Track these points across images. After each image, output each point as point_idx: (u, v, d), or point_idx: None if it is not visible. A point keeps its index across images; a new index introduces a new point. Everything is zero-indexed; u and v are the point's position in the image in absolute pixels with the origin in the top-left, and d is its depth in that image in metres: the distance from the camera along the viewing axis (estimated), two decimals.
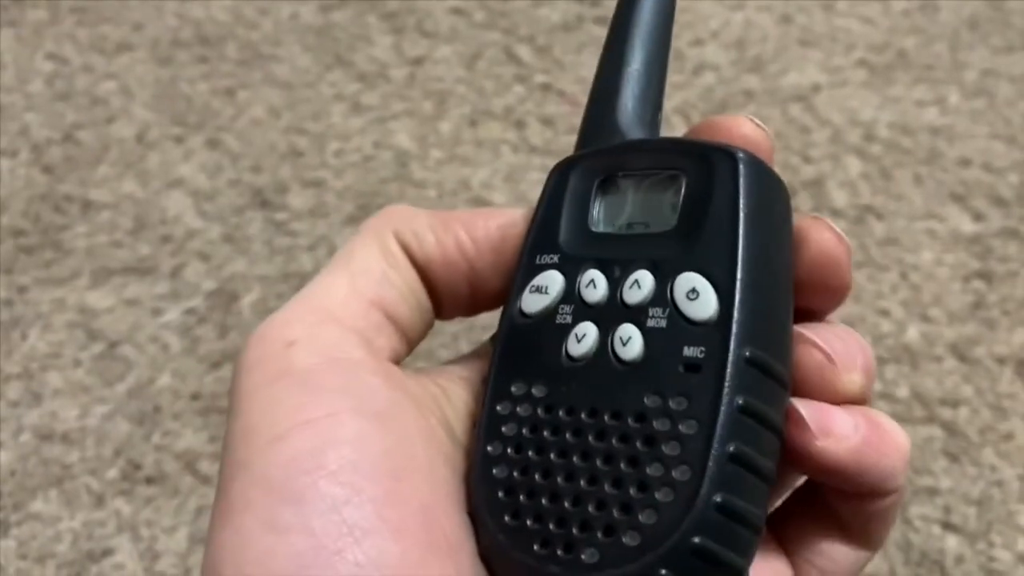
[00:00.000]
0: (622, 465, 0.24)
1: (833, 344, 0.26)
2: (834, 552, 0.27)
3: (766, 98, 0.70)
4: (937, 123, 0.68)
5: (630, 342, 0.25)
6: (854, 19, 0.75)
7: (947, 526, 0.50)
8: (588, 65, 0.71)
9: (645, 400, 0.24)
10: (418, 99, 0.71)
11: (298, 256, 0.62)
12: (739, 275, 0.24)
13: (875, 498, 0.26)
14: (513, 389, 0.26)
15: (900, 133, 0.67)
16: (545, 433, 0.25)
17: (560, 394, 0.25)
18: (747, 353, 0.24)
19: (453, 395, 0.28)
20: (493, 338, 0.28)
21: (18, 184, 0.66)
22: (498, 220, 0.29)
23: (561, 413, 0.25)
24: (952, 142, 0.67)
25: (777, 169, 0.27)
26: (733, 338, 0.24)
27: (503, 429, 0.26)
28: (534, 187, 0.65)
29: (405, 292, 0.28)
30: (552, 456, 0.25)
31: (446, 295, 0.29)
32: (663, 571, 0.22)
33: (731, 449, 0.23)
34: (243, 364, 0.26)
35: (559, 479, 0.24)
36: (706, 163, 0.26)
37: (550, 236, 0.27)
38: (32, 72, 0.74)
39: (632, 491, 0.23)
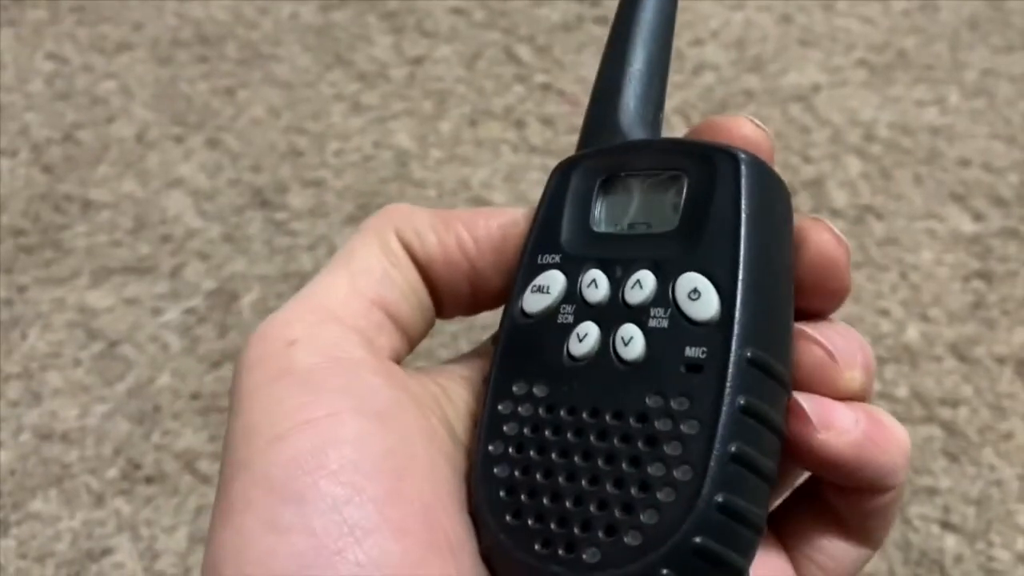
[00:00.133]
0: (624, 465, 0.24)
1: (835, 341, 0.26)
2: (834, 549, 0.27)
3: (766, 98, 0.70)
4: (937, 123, 0.68)
5: (632, 342, 0.25)
6: (854, 19, 0.75)
7: (946, 526, 0.50)
8: (588, 65, 0.72)
9: (647, 400, 0.24)
10: (418, 99, 0.71)
11: (298, 256, 0.62)
12: (741, 276, 0.24)
13: (875, 494, 0.26)
14: (514, 389, 0.26)
15: (900, 133, 0.67)
16: (546, 433, 0.25)
17: (562, 394, 0.25)
18: (749, 353, 0.24)
19: (454, 394, 0.28)
20: (494, 337, 0.28)
21: (18, 184, 0.66)
22: (499, 219, 0.29)
23: (563, 413, 0.25)
24: (952, 142, 0.67)
25: (777, 169, 0.27)
26: (735, 338, 0.24)
27: (504, 428, 0.26)
28: (534, 187, 0.65)
29: (406, 291, 0.28)
30: (553, 456, 0.25)
31: (447, 294, 0.29)
32: (664, 571, 0.23)
33: (733, 449, 0.23)
34: (244, 363, 0.26)
35: (560, 479, 0.24)
36: (708, 164, 0.26)
37: (552, 236, 0.27)
38: (32, 72, 0.74)
39: (634, 491, 0.23)
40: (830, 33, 0.74)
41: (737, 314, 0.24)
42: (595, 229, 0.27)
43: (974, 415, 0.53)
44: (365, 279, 0.27)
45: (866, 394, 0.26)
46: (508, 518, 0.25)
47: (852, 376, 0.26)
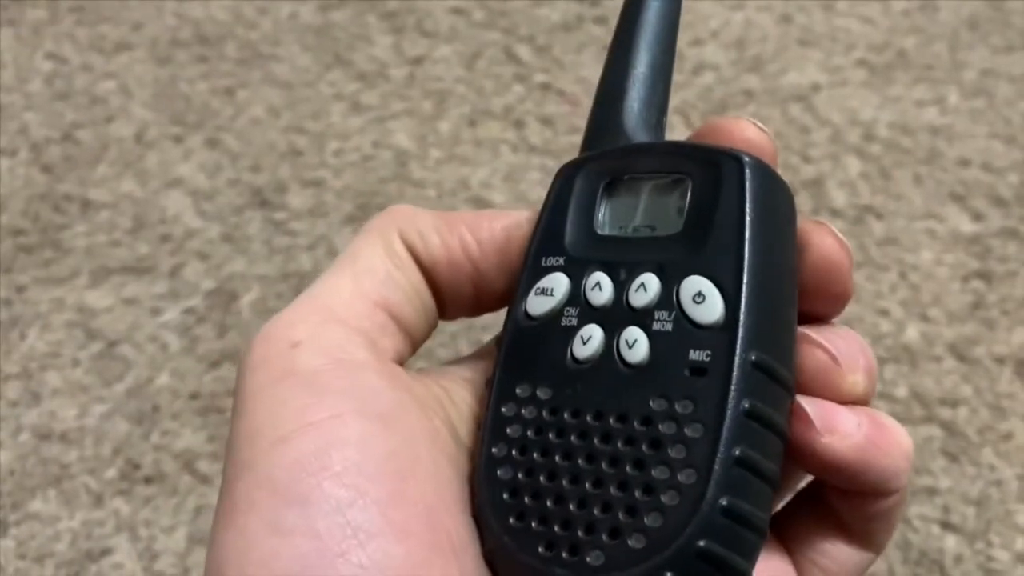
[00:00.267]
0: (628, 468, 0.24)
1: (837, 345, 0.26)
2: (836, 553, 0.27)
3: (766, 98, 0.70)
4: (937, 123, 0.68)
5: (636, 345, 0.25)
6: (854, 19, 0.76)
7: (946, 526, 0.50)
8: (588, 65, 0.71)
9: (651, 403, 0.24)
10: (417, 99, 0.71)
11: (297, 256, 0.62)
12: (745, 279, 0.24)
13: (877, 498, 0.26)
14: (518, 391, 0.26)
15: (900, 133, 0.67)
16: (550, 435, 0.25)
17: (565, 396, 0.25)
18: (753, 357, 0.24)
19: (456, 396, 0.28)
20: (497, 339, 0.28)
21: (17, 183, 0.66)
22: (503, 222, 0.29)
23: (566, 415, 0.25)
24: (952, 142, 0.67)
25: (777, 169, 0.27)
26: (739, 342, 0.24)
27: (508, 431, 0.26)
28: (533, 187, 0.65)
29: (410, 293, 0.28)
30: (557, 458, 0.25)
31: (450, 296, 0.29)
32: (668, 574, 0.23)
33: (737, 453, 0.23)
34: (247, 364, 0.26)
35: (564, 481, 0.24)
36: (712, 167, 0.26)
37: (556, 238, 0.27)
38: (31, 71, 0.74)
39: (638, 494, 0.23)
40: (830, 33, 0.74)
41: (741, 318, 0.24)
42: (599, 232, 0.27)
43: (974, 415, 0.53)
44: (369, 280, 0.27)
45: (868, 398, 0.26)
46: (511, 520, 0.25)
47: (855, 380, 0.26)
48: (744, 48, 0.74)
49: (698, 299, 0.25)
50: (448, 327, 0.57)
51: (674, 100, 0.69)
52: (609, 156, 0.28)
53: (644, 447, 0.24)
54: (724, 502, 0.23)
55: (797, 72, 0.72)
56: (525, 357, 0.26)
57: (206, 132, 0.69)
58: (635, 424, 0.24)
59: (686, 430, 0.23)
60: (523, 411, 0.26)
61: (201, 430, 0.54)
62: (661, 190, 0.27)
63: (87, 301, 0.60)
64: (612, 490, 0.24)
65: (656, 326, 0.25)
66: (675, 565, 0.23)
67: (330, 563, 0.23)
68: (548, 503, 0.24)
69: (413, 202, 0.29)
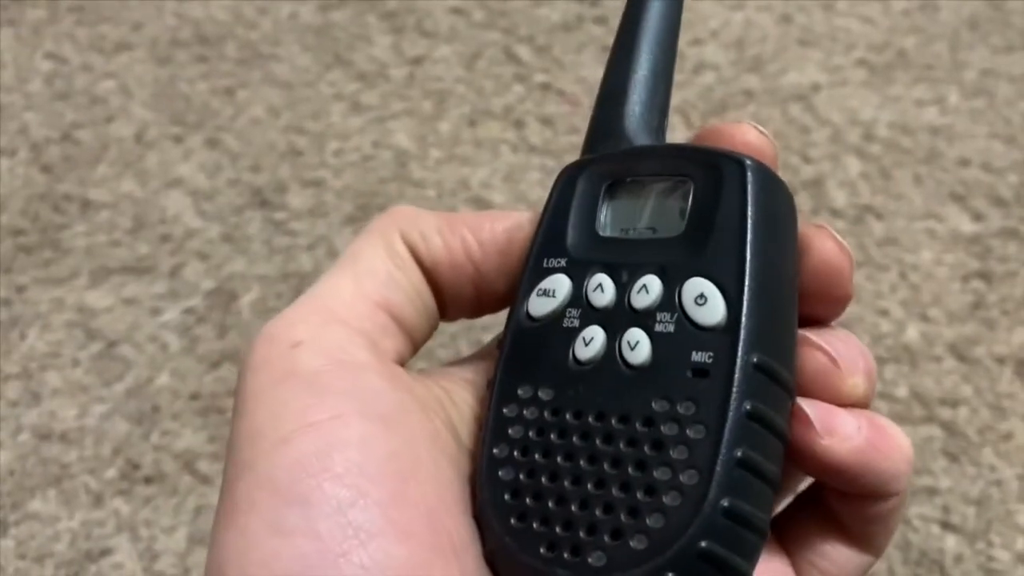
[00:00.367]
0: (629, 469, 0.24)
1: (837, 347, 0.26)
2: (836, 555, 0.27)
3: (766, 98, 0.70)
4: (937, 123, 0.68)
5: (638, 346, 0.25)
6: (854, 19, 0.76)
7: (946, 526, 0.50)
8: (588, 65, 0.71)
9: (653, 404, 0.24)
10: (417, 99, 0.71)
11: (297, 256, 0.62)
12: (747, 281, 0.24)
13: (876, 500, 0.26)
14: (520, 392, 0.26)
15: (900, 133, 0.67)
16: (552, 436, 0.25)
17: (567, 397, 0.25)
18: (755, 359, 0.24)
19: (457, 397, 0.28)
20: (498, 340, 0.28)
21: (17, 183, 0.66)
22: (504, 223, 0.29)
23: (568, 416, 0.25)
24: (952, 142, 0.67)
25: (777, 169, 0.27)
26: (741, 344, 0.24)
27: (509, 432, 0.26)
28: (533, 187, 0.65)
29: (411, 294, 0.28)
30: (559, 459, 0.25)
31: (451, 297, 0.29)
32: (670, 575, 0.23)
33: (738, 454, 0.23)
34: (249, 365, 0.26)
35: (566, 482, 0.24)
36: (714, 170, 0.26)
37: (557, 240, 0.27)
38: (31, 71, 0.74)
39: (639, 495, 0.23)
40: (830, 33, 0.74)
41: (743, 320, 0.24)
42: (601, 233, 0.27)
43: (974, 415, 0.53)
44: (370, 281, 0.27)
45: (868, 400, 0.26)
46: (513, 521, 0.25)
47: (855, 383, 0.26)
48: (744, 48, 0.74)
49: (700, 301, 0.25)
50: (448, 327, 0.57)
51: (674, 100, 0.69)
52: (611, 158, 0.28)
53: (646, 448, 0.24)
54: (726, 503, 0.23)
55: (797, 72, 0.72)
56: (527, 358, 0.26)
57: (206, 132, 0.69)
58: (637, 425, 0.24)
59: (688, 431, 0.23)
60: (525, 412, 0.26)
61: (201, 430, 0.54)
62: (663, 192, 0.27)
63: (87, 301, 0.60)
64: (614, 491, 0.24)
65: (658, 328, 0.25)
66: (677, 566, 0.23)
67: (331, 564, 0.23)
68: (550, 504, 0.24)
69: (413, 202, 0.29)
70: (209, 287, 0.60)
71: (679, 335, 0.25)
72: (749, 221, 0.25)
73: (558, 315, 0.26)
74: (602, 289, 0.26)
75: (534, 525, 0.24)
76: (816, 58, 0.73)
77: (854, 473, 0.25)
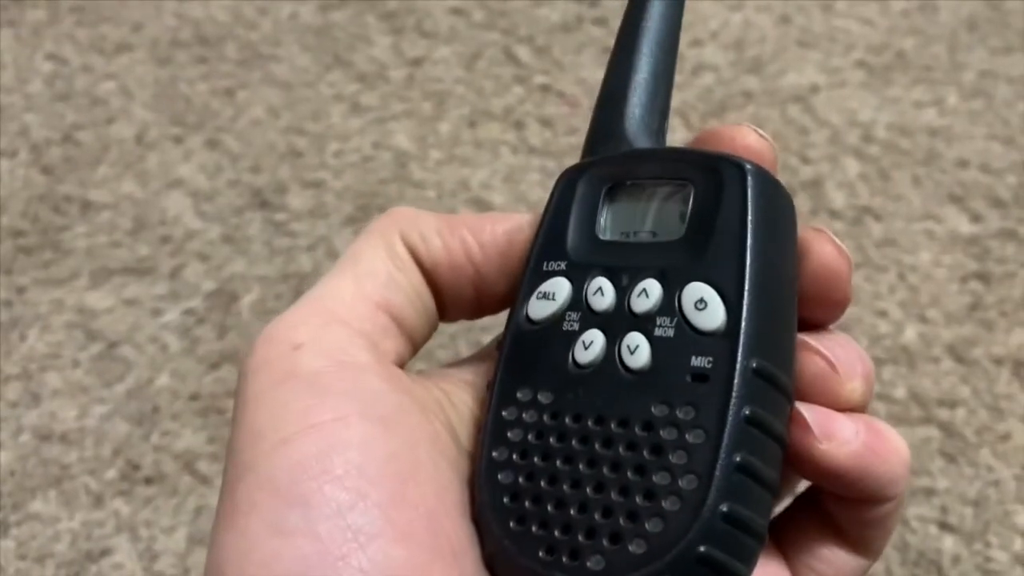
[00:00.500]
0: (629, 473, 0.24)
1: (836, 352, 0.26)
2: (833, 558, 0.27)
3: (765, 99, 0.70)
4: (935, 124, 0.68)
5: (637, 350, 0.25)
6: (853, 20, 0.76)
7: (944, 526, 0.50)
8: (587, 66, 0.72)
9: (652, 409, 0.24)
10: (417, 99, 0.71)
11: (297, 257, 0.62)
12: (747, 286, 0.25)
13: (874, 504, 0.26)
14: (519, 395, 0.26)
15: (898, 134, 0.67)
16: (551, 439, 0.25)
17: (566, 401, 0.25)
18: (754, 364, 0.24)
19: (457, 399, 0.28)
20: (498, 342, 0.28)
21: (17, 184, 0.66)
22: (505, 225, 0.29)
23: (567, 420, 0.25)
24: (950, 143, 0.67)
25: (776, 170, 0.27)
26: (741, 349, 0.24)
27: (509, 435, 0.26)
28: (533, 188, 0.65)
29: (411, 295, 0.28)
30: (558, 462, 0.25)
31: (451, 298, 0.29)
32: None
33: (738, 459, 0.23)
34: (249, 366, 0.26)
35: (565, 486, 0.24)
36: (714, 174, 0.26)
37: (557, 243, 0.27)
38: (31, 72, 0.74)
39: (638, 499, 0.23)
40: (829, 34, 0.75)
41: (743, 324, 0.24)
42: (601, 237, 0.27)
43: (972, 416, 0.54)
44: (370, 282, 0.27)
45: (866, 405, 0.26)
46: (512, 524, 0.25)
47: (853, 387, 0.26)
48: (743, 49, 0.74)
49: (700, 305, 0.25)
50: (448, 328, 0.57)
51: (673, 101, 0.69)
52: (611, 161, 0.28)
53: (645, 452, 0.24)
54: (725, 508, 0.23)
55: (796, 73, 0.72)
56: (526, 361, 0.26)
57: (206, 133, 0.69)
58: (636, 429, 0.24)
59: (687, 436, 0.24)
60: (524, 415, 0.26)
61: (201, 431, 0.54)
62: (663, 196, 0.27)
63: (87, 302, 0.60)
64: (613, 495, 0.24)
65: (658, 332, 0.25)
66: (676, 570, 0.23)
67: (331, 565, 0.23)
68: (549, 507, 0.24)
69: (413, 203, 0.30)
70: (209, 288, 0.60)
71: (679, 339, 0.25)
72: (749, 226, 0.25)
73: (558, 318, 0.26)
74: (602, 293, 0.26)
75: (533, 528, 0.24)
76: (815, 59, 0.73)
77: (852, 477, 0.25)
